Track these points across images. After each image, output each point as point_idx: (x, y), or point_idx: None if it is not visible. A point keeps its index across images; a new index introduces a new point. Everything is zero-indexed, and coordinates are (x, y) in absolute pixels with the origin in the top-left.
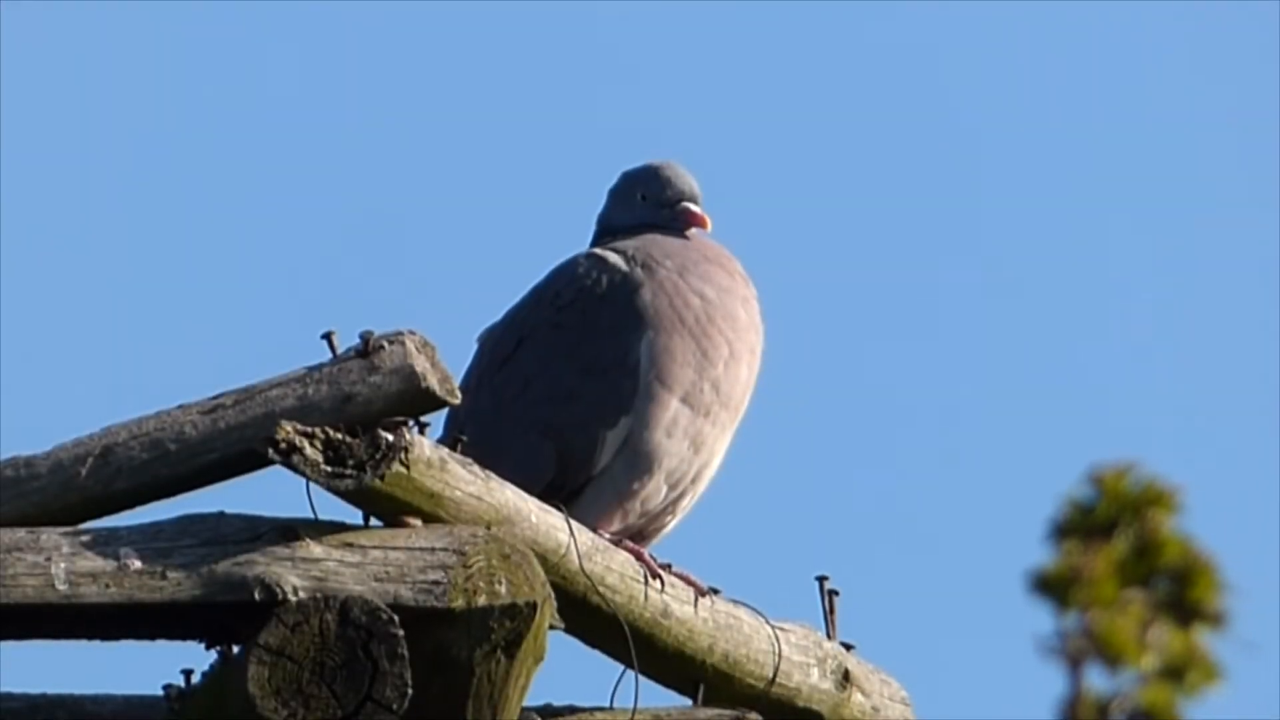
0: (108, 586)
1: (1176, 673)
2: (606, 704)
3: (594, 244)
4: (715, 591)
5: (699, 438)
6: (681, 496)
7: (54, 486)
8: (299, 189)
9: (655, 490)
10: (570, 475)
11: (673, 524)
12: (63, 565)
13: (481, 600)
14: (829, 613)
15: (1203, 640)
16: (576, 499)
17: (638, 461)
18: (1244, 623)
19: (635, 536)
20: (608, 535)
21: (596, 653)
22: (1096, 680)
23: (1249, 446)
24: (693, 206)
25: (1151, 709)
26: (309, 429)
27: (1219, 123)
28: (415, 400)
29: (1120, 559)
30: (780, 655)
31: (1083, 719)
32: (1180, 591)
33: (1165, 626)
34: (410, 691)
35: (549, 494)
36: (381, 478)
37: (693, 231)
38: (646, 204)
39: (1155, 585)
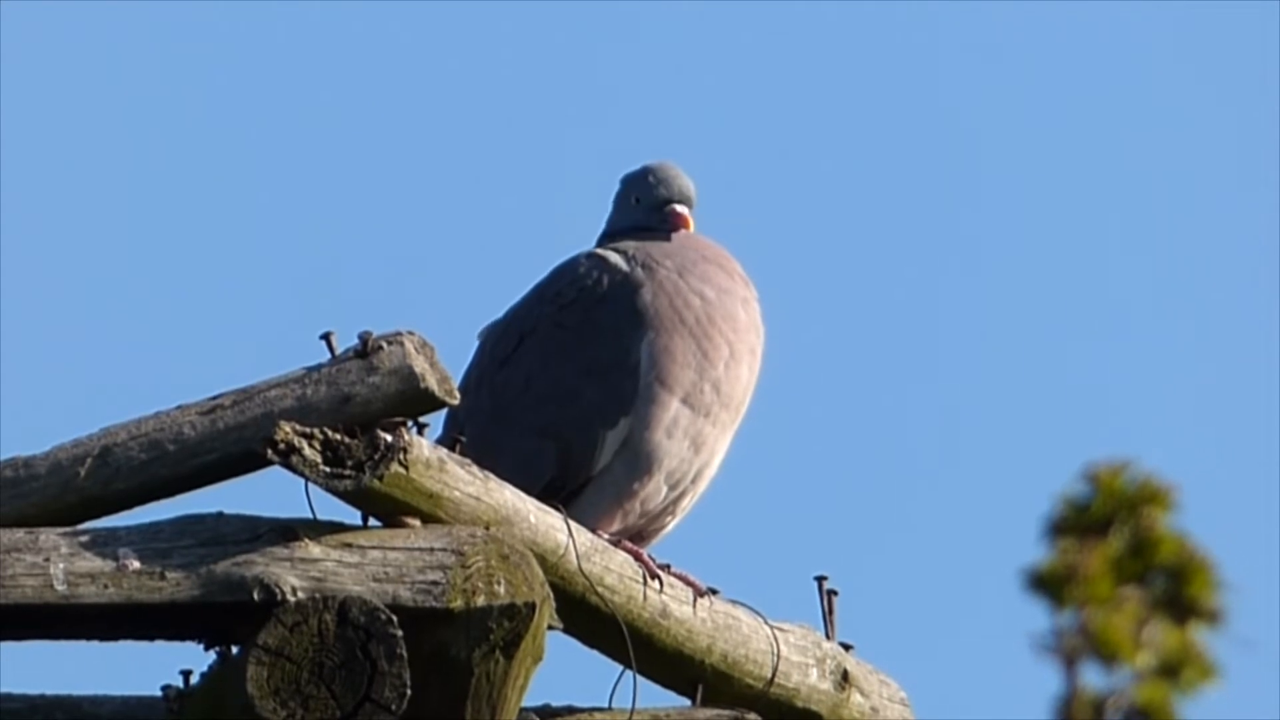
0: (106, 587)
1: (1172, 670)
2: (605, 704)
3: (597, 246)
4: (714, 592)
5: (699, 438)
6: (681, 497)
7: (53, 487)
8: (299, 189)
9: (655, 491)
10: (570, 475)
11: (673, 524)
12: (61, 566)
13: (480, 600)
14: (828, 613)
15: (1199, 638)
16: (576, 499)
17: (638, 462)
18: (1240, 620)
19: (635, 537)
20: (607, 536)
21: (595, 653)
22: (1092, 678)
23: (1245, 444)
24: (678, 208)
25: (1147, 707)
26: (308, 429)
27: (1218, 123)
28: (414, 401)
29: (1116, 556)
30: (779, 655)
31: (1078, 717)
32: (1176, 589)
33: (1161, 624)
34: (409, 692)
35: (548, 494)
36: (380, 478)
37: (693, 232)
38: (640, 206)
39: (1151, 583)
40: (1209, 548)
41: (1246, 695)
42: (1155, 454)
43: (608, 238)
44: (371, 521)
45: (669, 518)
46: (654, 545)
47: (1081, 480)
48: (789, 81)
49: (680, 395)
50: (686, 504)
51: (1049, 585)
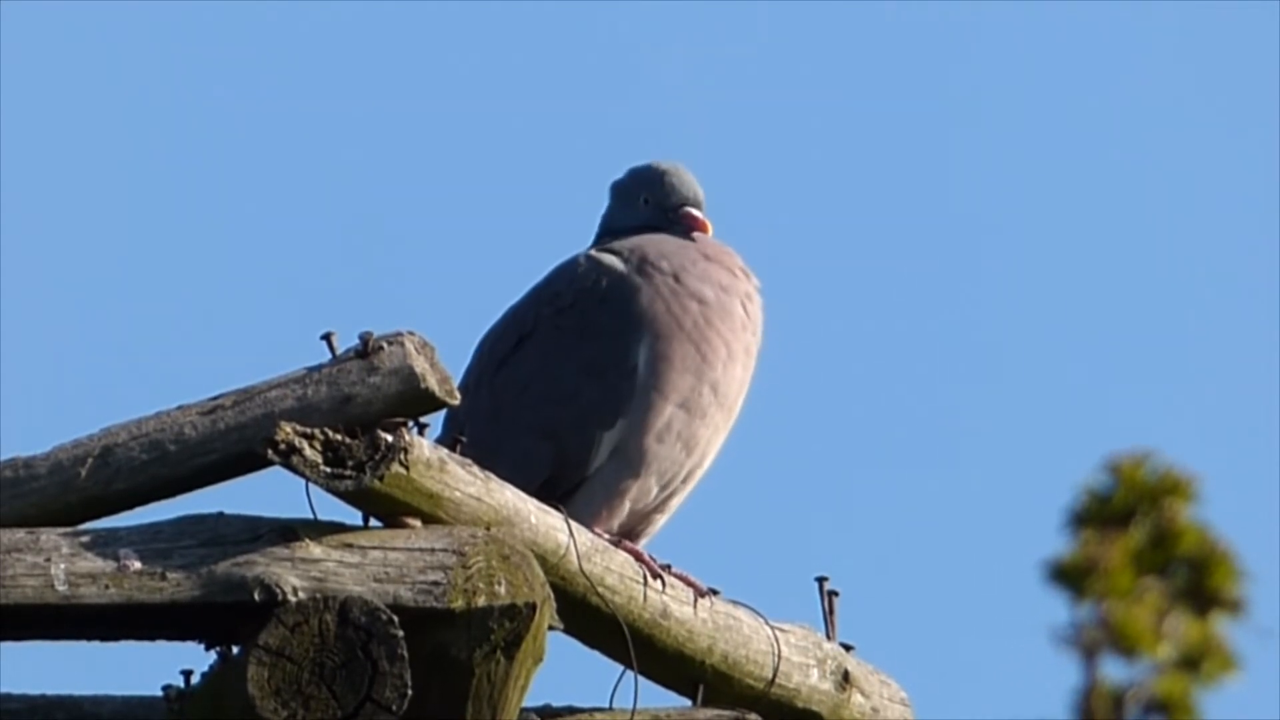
0: (107, 587)
1: (1193, 662)
2: (606, 705)
3: (596, 243)
4: (715, 592)
5: (692, 440)
6: (671, 496)
7: (53, 487)
8: (298, 189)
9: (645, 491)
10: (565, 476)
11: (663, 522)
12: (62, 566)
13: (481, 601)
14: (828, 613)
15: (1220, 629)
16: (568, 499)
17: (629, 464)
18: (1262, 611)
19: (626, 535)
20: (607, 536)
21: (596, 653)
22: (1112, 670)
23: (1266, 434)
24: (694, 211)
25: (1168, 699)
26: (308, 430)
27: (1223, 118)
28: (414, 401)
29: (1137, 548)
30: (780, 656)
31: (1098, 710)
32: (1197, 580)
33: (1182, 616)
34: (410, 692)
35: (542, 494)
36: (381, 479)
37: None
38: (649, 207)
39: (1172, 574)
40: (1230, 539)
41: (1268, 687)
42: (1177, 445)
43: (609, 235)
44: (372, 522)
45: (659, 515)
46: (650, 544)
47: (1103, 472)
48: (790, 81)
49: (676, 401)
50: (676, 503)
51: (1070, 577)
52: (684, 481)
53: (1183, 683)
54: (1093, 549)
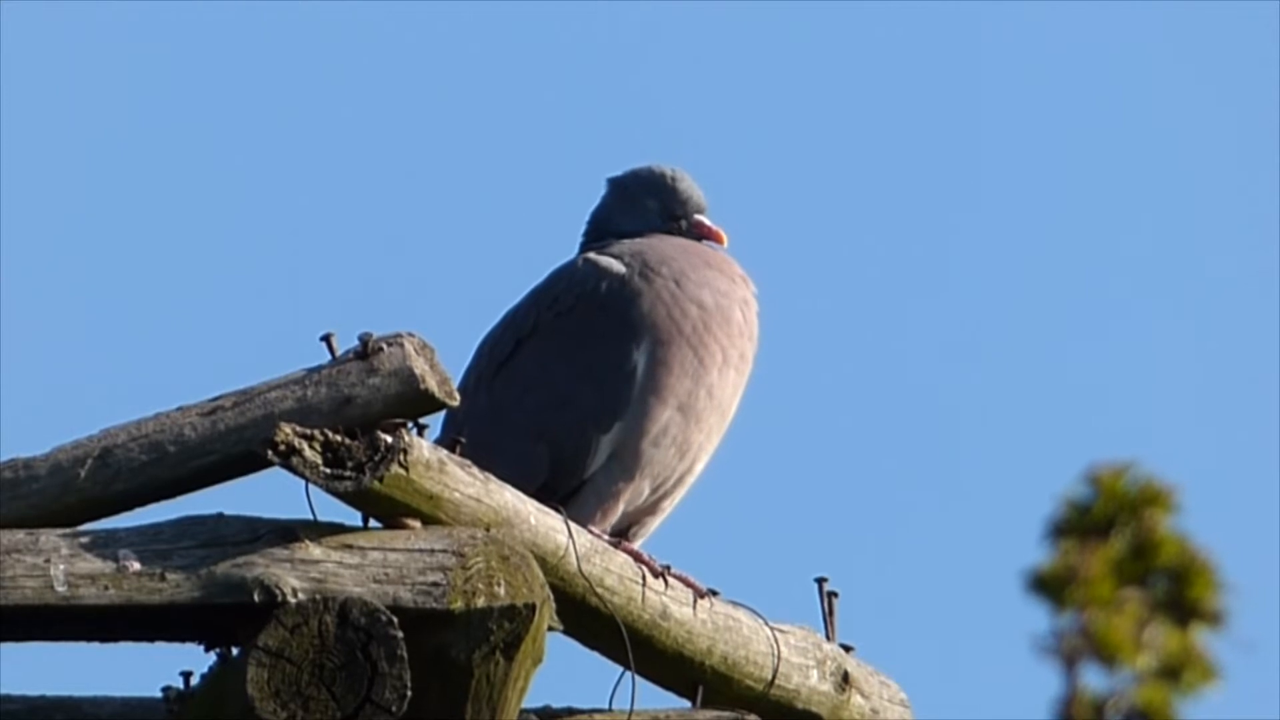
0: (107, 588)
1: (1173, 672)
2: (605, 706)
3: (590, 240)
4: (714, 593)
5: (686, 444)
6: (663, 498)
7: (53, 488)
8: (299, 189)
9: (638, 493)
10: (562, 479)
11: (656, 524)
12: (62, 567)
13: (480, 602)
14: (828, 614)
15: (1200, 639)
16: (565, 502)
17: (624, 467)
18: (1241, 622)
19: (619, 536)
20: (607, 538)
21: (595, 654)
22: (1093, 679)
23: (1246, 446)
24: (707, 220)
25: (1148, 708)
26: (308, 431)
27: (1219, 122)
28: (414, 402)
29: (1117, 558)
30: (779, 657)
31: (1079, 718)
32: (1177, 591)
33: (1162, 626)
34: (409, 693)
35: (540, 498)
36: (380, 479)
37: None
38: (656, 212)
39: (1152, 584)
40: (1210, 550)
41: (1247, 697)
42: (1157, 456)
43: (606, 233)
44: (372, 523)
45: (650, 517)
46: (645, 545)
47: (1083, 482)
48: (788, 81)
49: (673, 405)
50: (669, 505)
51: (1050, 586)
52: (676, 484)
53: (1163, 692)
54: (1073, 559)
